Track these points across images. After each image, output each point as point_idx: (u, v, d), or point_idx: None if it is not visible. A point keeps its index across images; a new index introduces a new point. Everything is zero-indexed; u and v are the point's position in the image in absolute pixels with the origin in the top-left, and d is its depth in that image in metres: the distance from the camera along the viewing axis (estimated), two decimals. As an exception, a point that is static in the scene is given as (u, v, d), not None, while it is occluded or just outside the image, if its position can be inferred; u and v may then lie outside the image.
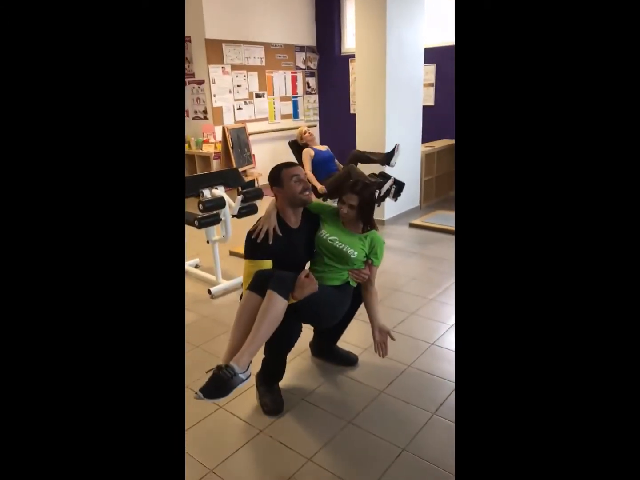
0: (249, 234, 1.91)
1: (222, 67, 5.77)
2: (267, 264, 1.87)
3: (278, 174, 1.91)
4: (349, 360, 2.28)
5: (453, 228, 4.23)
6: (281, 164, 1.96)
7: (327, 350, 2.31)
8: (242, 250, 3.69)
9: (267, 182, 1.99)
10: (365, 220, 1.98)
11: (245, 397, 2.04)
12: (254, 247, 1.88)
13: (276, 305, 1.70)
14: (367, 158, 3.79)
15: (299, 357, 2.32)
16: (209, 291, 3.05)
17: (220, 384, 1.60)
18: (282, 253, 1.89)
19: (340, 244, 1.92)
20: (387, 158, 3.76)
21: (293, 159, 3.49)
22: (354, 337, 2.48)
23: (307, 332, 2.30)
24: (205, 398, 1.58)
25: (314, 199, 2.04)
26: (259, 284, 1.78)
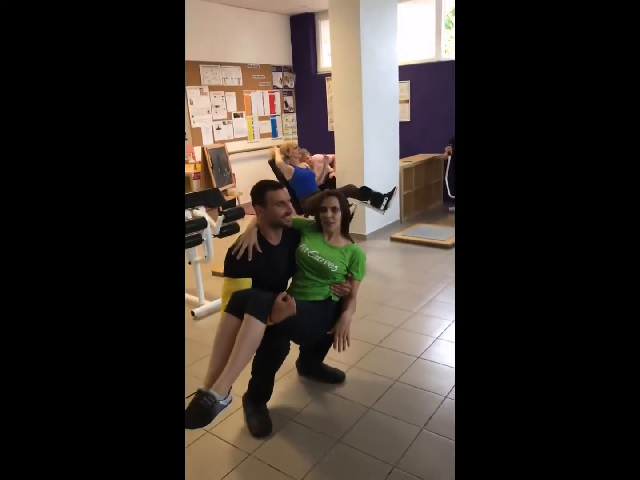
0: (229, 250, 1.90)
1: (200, 88, 5.79)
2: (247, 283, 1.86)
3: (263, 195, 1.90)
4: (336, 377, 2.26)
5: (434, 241, 4.29)
6: (266, 184, 1.93)
7: (313, 369, 2.29)
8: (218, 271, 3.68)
9: (250, 200, 1.98)
10: (345, 229, 2.00)
11: (231, 419, 2.00)
12: (233, 265, 1.87)
13: (254, 330, 1.69)
14: (361, 195, 3.77)
15: (286, 377, 2.30)
16: (192, 313, 3.01)
17: (201, 412, 1.58)
18: (262, 271, 1.88)
19: (320, 257, 1.92)
20: (377, 200, 3.75)
21: (273, 177, 3.50)
22: (340, 354, 2.47)
23: (293, 351, 2.29)
24: (187, 428, 1.56)
25: (295, 216, 2.05)
26: (236, 306, 1.77)
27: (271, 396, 2.02)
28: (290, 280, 2.06)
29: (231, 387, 1.68)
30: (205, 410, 1.58)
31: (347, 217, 2.02)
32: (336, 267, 1.92)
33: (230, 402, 1.67)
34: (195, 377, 2.34)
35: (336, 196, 1.98)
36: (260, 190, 1.91)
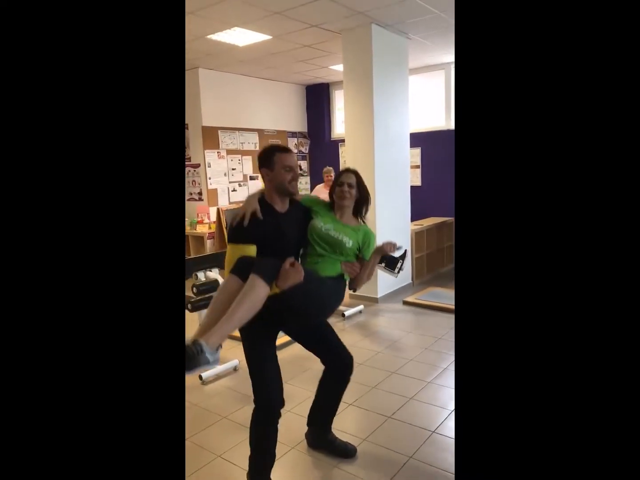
0: (232, 218, 1.81)
1: (218, 152, 6.03)
2: (251, 250, 1.74)
3: (270, 156, 1.81)
4: (346, 451, 2.15)
5: (446, 305, 4.22)
6: (275, 146, 1.86)
7: (323, 441, 2.19)
8: (233, 333, 3.63)
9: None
10: (359, 211, 1.99)
11: (236, 497, 1.90)
12: (237, 231, 1.76)
13: (257, 290, 1.56)
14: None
15: (294, 450, 2.20)
16: (200, 377, 2.95)
17: (188, 358, 1.43)
18: (269, 238, 1.77)
19: (335, 232, 1.87)
20: (391, 262, 3.74)
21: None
22: (352, 425, 2.38)
23: (303, 423, 2.20)
24: None
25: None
26: (241, 269, 1.65)
27: (278, 470, 1.92)
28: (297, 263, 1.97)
29: (220, 345, 1.53)
30: (190, 357, 1.43)
31: (362, 199, 1.99)
32: (350, 242, 1.88)
33: (217, 360, 1.50)
34: (201, 448, 2.25)
35: (354, 174, 1.97)
36: (269, 152, 1.82)
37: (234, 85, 6.13)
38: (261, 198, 1.83)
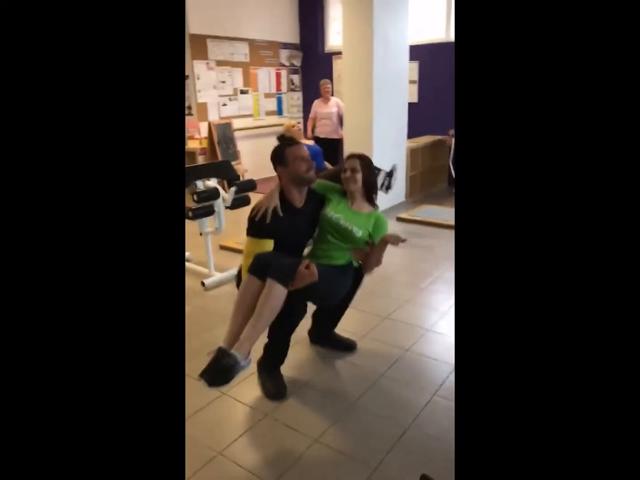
0: (251, 212, 1.92)
1: (207, 63, 5.74)
2: (269, 244, 1.88)
3: (282, 153, 1.91)
4: (348, 346, 2.31)
5: (440, 221, 4.32)
6: (284, 143, 1.95)
7: (326, 337, 2.34)
8: (232, 245, 3.71)
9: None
10: (369, 196, 2.03)
11: (247, 383, 2.05)
12: (256, 226, 1.88)
13: (276, 295, 1.72)
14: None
15: (298, 345, 2.34)
16: (202, 283, 3.05)
17: (222, 371, 1.61)
18: (284, 233, 1.90)
19: (344, 222, 1.94)
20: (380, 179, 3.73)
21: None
22: (352, 325, 2.52)
23: (305, 320, 2.33)
24: (209, 386, 1.60)
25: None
26: (260, 268, 1.79)
27: (285, 363, 2.07)
28: (308, 249, 2.08)
29: (250, 350, 1.72)
30: (226, 369, 1.62)
31: (369, 183, 2.02)
32: (360, 232, 1.95)
33: (249, 363, 1.71)
34: (209, 343, 2.39)
35: (358, 158, 2.00)
36: (280, 150, 1.92)
37: (223, -11, 5.71)
38: (280, 193, 1.93)
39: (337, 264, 1.97)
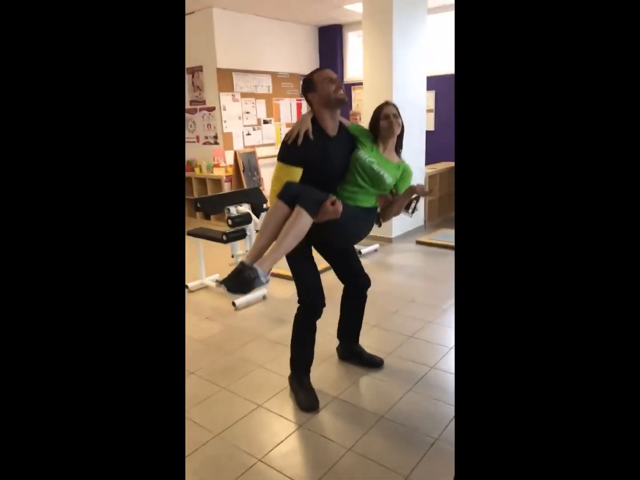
0: (285, 137, 1.94)
1: (232, 95, 6.04)
2: (297, 173, 1.88)
3: (310, 79, 1.94)
4: (375, 362, 2.41)
5: (459, 244, 4.43)
6: (311, 71, 1.99)
7: (352, 353, 2.45)
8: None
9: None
10: (400, 144, 2.10)
11: (281, 396, 2.17)
12: (287, 151, 1.89)
13: (303, 222, 1.77)
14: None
15: (328, 362, 2.46)
16: (233, 303, 3.19)
17: (243, 282, 1.69)
18: (316, 162, 1.89)
19: (378, 167, 1.98)
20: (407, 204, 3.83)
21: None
22: (378, 343, 2.63)
23: (334, 342, 2.45)
24: (228, 292, 1.71)
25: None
26: (289, 196, 1.82)
27: (315, 378, 2.18)
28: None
29: (271, 269, 1.78)
30: (247, 281, 1.69)
31: (402, 132, 2.08)
32: (390, 178, 1.99)
33: (268, 282, 1.78)
34: (242, 360, 2.52)
35: (394, 106, 2.06)
36: (307, 78, 1.95)
37: (247, 26, 6.05)
38: (313, 118, 1.95)
39: (362, 206, 2.00)
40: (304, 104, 7.11)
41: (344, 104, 1.94)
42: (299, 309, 2.09)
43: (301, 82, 2.01)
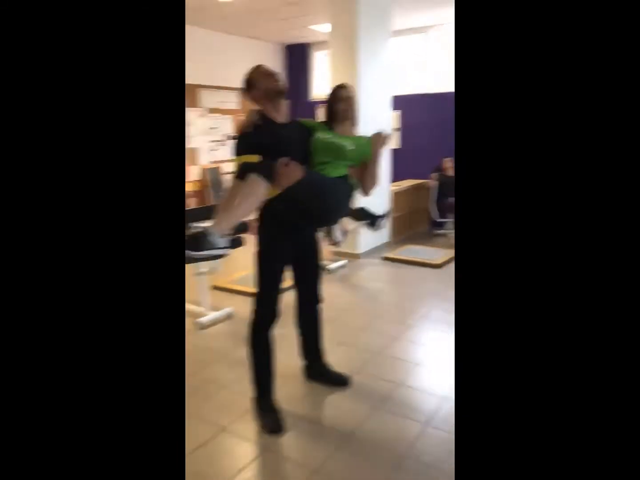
0: (235, 134, 1.94)
1: (198, 110, 5.99)
2: (253, 159, 1.83)
3: (249, 77, 1.98)
4: (341, 381, 2.39)
5: (424, 260, 4.50)
6: (249, 71, 2.01)
7: (317, 371, 2.41)
8: (226, 285, 3.79)
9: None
10: (354, 122, 2.12)
11: (246, 420, 2.11)
12: (239, 142, 1.90)
13: (255, 186, 1.71)
14: (358, 215, 3.88)
15: (294, 381, 2.41)
16: (197, 322, 3.11)
17: (198, 240, 1.62)
18: (272, 145, 1.85)
19: (336, 139, 1.99)
20: (373, 220, 3.85)
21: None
22: (345, 361, 2.61)
23: (298, 362, 2.41)
24: (187, 251, 1.61)
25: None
26: (243, 173, 1.77)
27: (280, 398, 2.14)
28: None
29: (226, 231, 1.70)
30: (202, 238, 1.62)
31: (358, 109, 2.13)
32: (352, 146, 1.99)
33: (226, 244, 1.70)
34: (208, 381, 2.44)
35: (349, 88, 2.10)
36: (246, 77, 1.99)
37: (214, 43, 6.05)
38: (259, 111, 1.95)
39: (333, 175, 1.97)
40: (271, 120, 7.12)
41: (284, 94, 1.97)
42: (250, 322, 2.05)
43: (241, 87, 2.02)
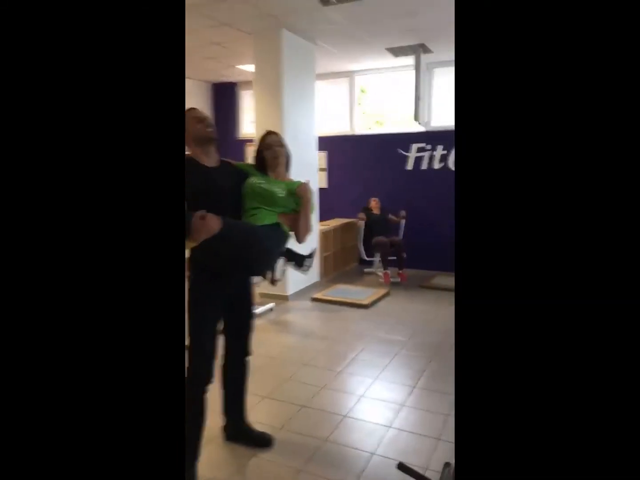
0: None
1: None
2: None
3: None
4: (263, 441, 2.21)
5: (353, 301, 4.46)
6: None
7: (239, 432, 2.23)
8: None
9: None
10: (288, 168, 2.15)
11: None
12: None
13: None
14: (285, 256, 3.82)
15: (212, 444, 2.20)
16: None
17: None
18: (200, 191, 1.80)
19: (267, 185, 1.98)
20: (300, 260, 3.81)
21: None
22: (267, 417, 2.44)
23: (219, 416, 2.22)
24: None
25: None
26: None
27: (201, 464, 1.93)
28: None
29: None
30: None
31: (288, 156, 2.15)
32: (282, 193, 1.97)
33: None
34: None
35: (277, 134, 2.12)
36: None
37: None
38: (188, 156, 1.89)
39: (265, 221, 1.94)
40: (198, 158, 6.96)
41: (214, 140, 1.94)
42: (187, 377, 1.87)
43: None
